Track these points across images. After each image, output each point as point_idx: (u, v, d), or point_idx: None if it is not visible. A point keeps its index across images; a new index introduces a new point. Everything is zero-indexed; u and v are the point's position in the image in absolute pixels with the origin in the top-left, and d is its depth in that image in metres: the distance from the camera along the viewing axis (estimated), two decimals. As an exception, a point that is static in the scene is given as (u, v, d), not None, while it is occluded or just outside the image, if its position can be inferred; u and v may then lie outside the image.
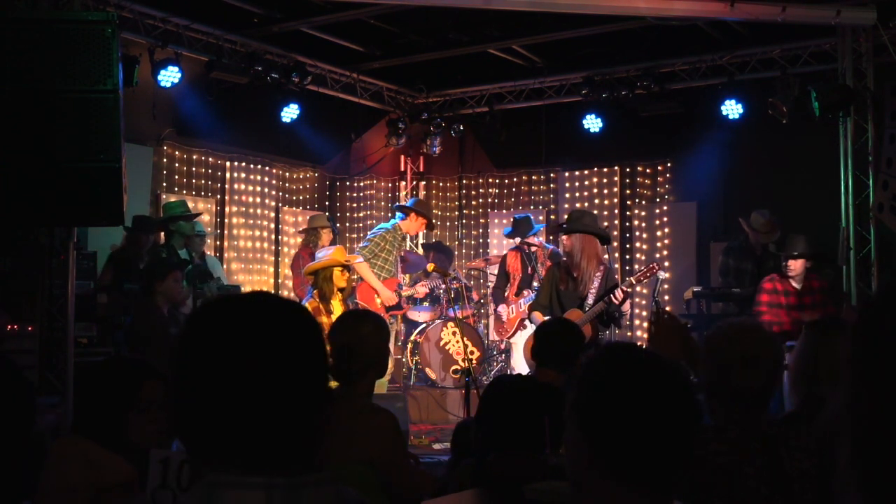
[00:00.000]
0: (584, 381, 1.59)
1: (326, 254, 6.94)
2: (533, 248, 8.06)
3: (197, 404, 1.24)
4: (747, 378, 2.41)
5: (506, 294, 8.10)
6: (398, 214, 7.92)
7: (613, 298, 6.24)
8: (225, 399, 1.22)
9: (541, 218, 10.61)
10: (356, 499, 1.30)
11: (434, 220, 10.97)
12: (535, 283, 7.30)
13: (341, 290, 6.88)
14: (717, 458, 2.31)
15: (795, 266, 6.87)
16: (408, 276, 9.90)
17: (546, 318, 6.18)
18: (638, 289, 9.60)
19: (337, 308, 6.80)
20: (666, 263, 7.16)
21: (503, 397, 4.06)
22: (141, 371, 2.67)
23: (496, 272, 8.49)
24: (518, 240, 8.16)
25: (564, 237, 6.58)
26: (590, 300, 6.34)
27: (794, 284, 6.93)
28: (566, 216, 7.11)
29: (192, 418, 1.25)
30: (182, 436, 1.28)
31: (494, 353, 9.53)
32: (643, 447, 1.49)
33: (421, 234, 11.78)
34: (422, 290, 8.63)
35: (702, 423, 1.62)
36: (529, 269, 7.97)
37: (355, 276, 7.59)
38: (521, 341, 7.80)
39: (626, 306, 6.45)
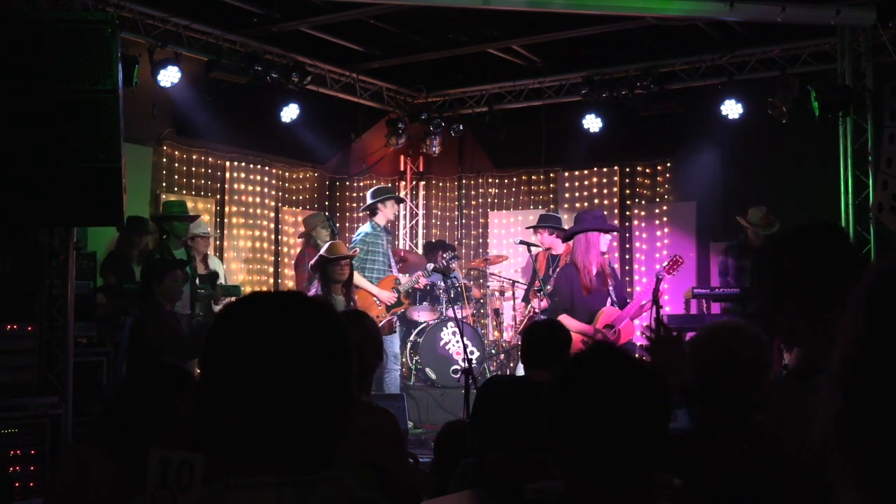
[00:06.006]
0: (553, 381, 1.61)
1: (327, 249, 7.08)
2: (556, 252, 8.06)
3: (220, 402, 1.26)
4: (727, 378, 2.38)
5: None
6: (370, 217, 7.97)
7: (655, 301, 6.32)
8: (248, 398, 1.23)
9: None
10: (364, 496, 1.31)
11: (435, 218, 11.03)
12: (549, 287, 7.33)
13: (344, 283, 7.03)
14: (706, 465, 2.27)
15: None
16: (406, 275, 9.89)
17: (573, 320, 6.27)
18: (638, 289, 9.62)
19: (339, 302, 6.93)
20: (665, 263, 7.18)
21: (500, 397, 4.08)
22: (167, 385, 2.57)
23: (525, 269, 8.47)
24: (537, 235, 8.22)
25: (565, 245, 6.66)
26: (612, 295, 6.38)
27: None
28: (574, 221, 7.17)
29: (215, 415, 1.27)
30: (205, 433, 1.29)
31: (494, 352, 9.52)
32: (607, 445, 1.52)
33: (422, 236, 11.78)
34: (423, 280, 8.49)
35: (674, 427, 1.63)
36: (551, 270, 7.96)
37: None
38: None
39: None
